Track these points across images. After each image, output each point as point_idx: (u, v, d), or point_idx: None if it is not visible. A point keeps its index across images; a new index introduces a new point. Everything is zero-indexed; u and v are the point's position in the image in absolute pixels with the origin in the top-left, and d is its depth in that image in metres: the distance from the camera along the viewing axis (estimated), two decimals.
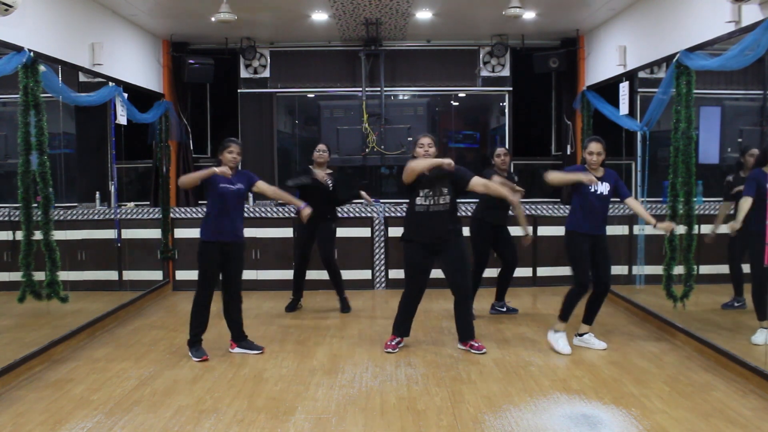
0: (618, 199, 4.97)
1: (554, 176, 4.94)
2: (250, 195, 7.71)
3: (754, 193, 4.76)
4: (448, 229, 4.87)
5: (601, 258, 4.95)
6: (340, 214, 7.27)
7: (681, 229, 5.21)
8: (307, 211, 5.04)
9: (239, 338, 5.09)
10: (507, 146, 8.00)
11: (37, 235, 4.74)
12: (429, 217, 4.83)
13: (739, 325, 5.46)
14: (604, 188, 4.89)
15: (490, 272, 6.26)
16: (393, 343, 5.04)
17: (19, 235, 4.69)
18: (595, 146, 4.88)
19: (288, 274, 7.38)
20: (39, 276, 4.77)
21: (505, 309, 6.23)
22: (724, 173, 6.62)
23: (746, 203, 4.79)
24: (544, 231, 7.38)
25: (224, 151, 4.85)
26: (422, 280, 5.03)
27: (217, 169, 4.68)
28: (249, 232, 7.40)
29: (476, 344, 4.97)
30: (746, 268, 5.24)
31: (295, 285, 6.46)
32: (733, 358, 4.45)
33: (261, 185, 4.95)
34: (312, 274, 7.04)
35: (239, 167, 5.01)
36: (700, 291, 5.60)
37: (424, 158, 4.78)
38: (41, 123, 4.61)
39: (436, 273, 7.36)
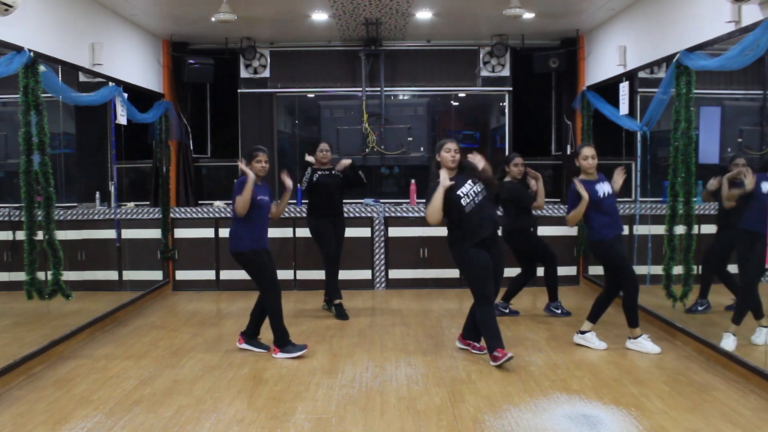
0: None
1: (572, 216, 4.92)
2: None
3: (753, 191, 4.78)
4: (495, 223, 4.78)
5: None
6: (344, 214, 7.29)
7: (681, 229, 5.21)
8: (287, 180, 5.06)
9: (252, 335, 5.08)
10: (507, 146, 8.02)
11: (39, 235, 4.74)
12: (477, 212, 4.62)
13: (739, 326, 5.45)
14: (606, 188, 4.93)
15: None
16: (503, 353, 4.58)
17: (20, 235, 4.69)
18: (588, 150, 4.93)
19: (288, 274, 7.41)
20: (40, 275, 4.77)
21: (560, 311, 6.13)
22: (724, 173, 6.63)
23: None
24: (544, 231, 7.37)
25: (253, 161, 4.86)
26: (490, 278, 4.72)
27: (250, 174, 4.73)
28: None
29: (478, 344, 4.96)
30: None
31: (331, 285, 6.24)
32: (733, 358, 4.45)
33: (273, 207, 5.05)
34: (312, 274, 7.05)
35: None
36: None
37: (431, 205, 4.60)
38: (42, 123, 4.62)
39: (436, 273, 7.43)
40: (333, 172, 6.19)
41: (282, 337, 4.90)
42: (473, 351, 4.95)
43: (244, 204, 4.75)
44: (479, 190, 4.63)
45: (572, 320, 5.94)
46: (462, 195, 4.58)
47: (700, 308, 5.56)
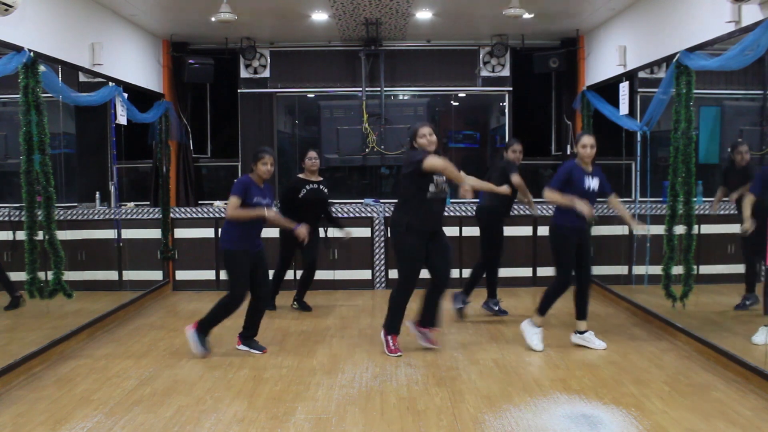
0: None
1: (551, 197, 4.87)
2: None
3: (760, 190, 4.77)
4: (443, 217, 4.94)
5: (585, 253, 5.00)
6: (343, 214, 7.28)
7: (680, 229, 5.21)
8: (303, 230, 5.03)
9: (249, 336, 5.09)
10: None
11: (40, 235, 4.74)
12: (436, 204, 4.80)
13: (739, 325, 5.46)
14: (594, 183, 4.91)
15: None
16: (396, 346, 4.95)
17: (20, 235, 4.69)
18: (588, 139, 4.88)
19: (288, 274, 7.40)
20: (41, 275, 4.78)
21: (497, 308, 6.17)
22: (724, 173, 6.63)
23: (750, 200, 4.84)
24: (545, 231, 7.36)
25: (258, 163, 4.85)
26: (420, 271, 4.89)
27: (269, 216, 4.78)
28: None
29: (432, 335, 5.03)
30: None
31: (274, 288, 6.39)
32: (733, 358, 4.45)
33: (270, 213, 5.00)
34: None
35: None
36: (700, 291, 5.60)
37: (443, 161, 4.66)
38: (42, 123, 4.62)
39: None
40: (320, 186, 6.15)
41: (204, 329, 4.93)
42: (425, 343, 5.04)
43: (237, 215, 4.75)
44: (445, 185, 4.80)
45: (572, 321, 5.93)
46: (434, 181, 4.73)
47: (747, 303, 5.52)
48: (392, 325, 4.99)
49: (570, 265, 4.94)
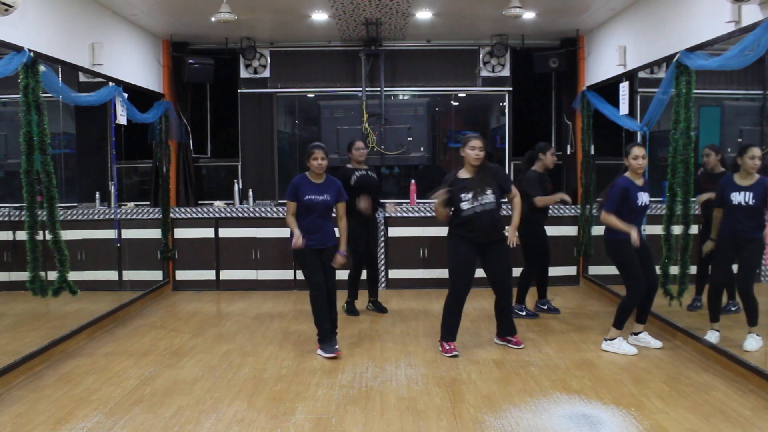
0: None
1: (610, 221, 4.85)
2: (250, 194, 7.75)
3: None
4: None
5: (647, 259, 4.96)
6: None
7: (677, 230, 5.21)
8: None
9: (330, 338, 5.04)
10: (507, 146, 8.02)
11: (41, 234, 4.73)
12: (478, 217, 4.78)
13: (739, 326, 5.45)
14: (646, 198, 4.89)
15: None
16: (451, 347, 4.96)
17: (20, 235, 4.69)
18: (639, 150, 4.85)
19: (288, 274, 7.42)
20: (43, 273, 4.78)
21: (546, 307, 6.27)
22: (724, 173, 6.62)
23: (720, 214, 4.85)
24: (548, 231, 7.36)
25: (309, 159, 4.91)
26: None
27: (298, 244, 4.77)
28: (249, 232, 7.46)
29: (514, 339, 5.08)
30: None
31: (353, 286, 6.37)
32: (733, 358, 4.45)
33: (339, 208, 5.05)
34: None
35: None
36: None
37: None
38: (43, 123, 4.62)
39: (436, 273, 7.42)
40: (369, 173, 6.21)
41: (322, 338, 4.94)
42: (511, 346, 5.07)
43: (287, 222, 4.93)
44: (485, 197, 4.76)
45: (572, 321, 5.94)
46: (464, 199, 4.75)
47: (732, 309, 5.50)
48: (451, 332, 5.02)
49: (638, 274, 4.86)
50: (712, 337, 4.83)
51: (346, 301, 6.32)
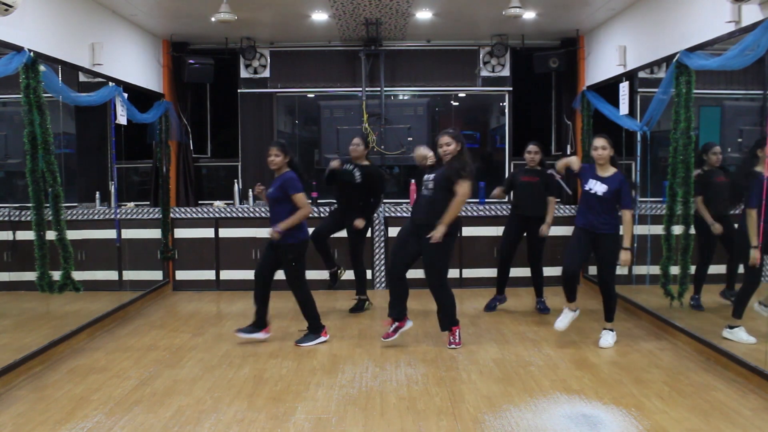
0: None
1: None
2: (250, 194, 7.74)
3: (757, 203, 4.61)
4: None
5: (599, 257, 5.09)
6: None
7: (678, 230, 5.21)
8: (275, 233, 5.06)
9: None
10: (507, 146, 8.02)
11: (47, 233, 4.75)
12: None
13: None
14: (599, 188, 4.93)
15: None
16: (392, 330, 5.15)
17: (20, 235, 4.69)
18: (598, 141, 5.00)
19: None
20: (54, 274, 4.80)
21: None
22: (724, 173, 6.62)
23: (752, 219, 4.69)
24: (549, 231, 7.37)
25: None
26: None
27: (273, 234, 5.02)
28: (249, 232, 7.45)
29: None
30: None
31: (359, 284, 6.50)
32: (733, 358, 4.45)
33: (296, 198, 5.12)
34: (313, 274, 7.01)
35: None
36: (701, 291, 5.61)
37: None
38: (45, 123, 4.62)
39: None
40: (354, 170, 6.31)
41: (311, 326, 5.29)
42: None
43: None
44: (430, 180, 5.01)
45: (574, 321, 5.93)
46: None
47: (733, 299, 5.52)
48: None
49: (570, 256, 5.08)
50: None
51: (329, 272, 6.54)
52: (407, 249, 5.05)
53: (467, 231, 7.25)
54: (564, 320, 5.15)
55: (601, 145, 4.96)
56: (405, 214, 7.45)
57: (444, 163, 4.97)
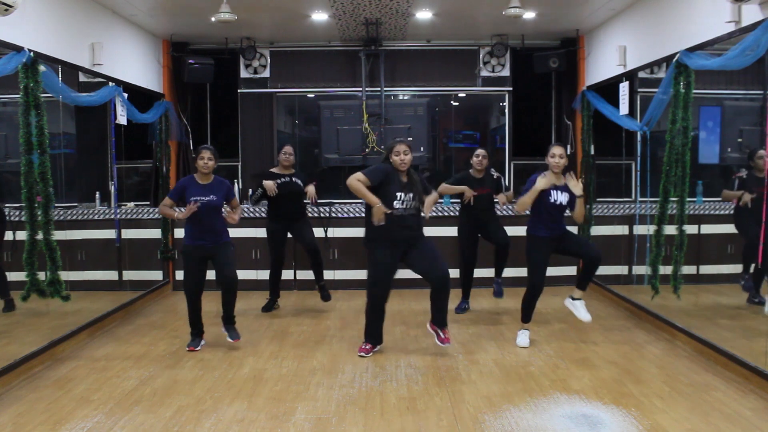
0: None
1: (520, 203, 5.01)
2: (250, 194, 7.73)
3: None
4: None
5: (574, 242, 5.11)
6: (344, 214, 7.29)
7: (671, 229, 5.22)
8: (182, 214, 5.08)
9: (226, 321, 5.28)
10: (507, 146, 8.03)
11: (39, 235, 4.73)
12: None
13: (740, 326, 5.46)
14: (563, 198, 4.95)
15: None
16: (367, 347, 4.99)
17: (19, 235, 4.68)
18: (556, 149, 4.93)
19: (287, 274, 7.41)
20: (41, 275, 4.77)
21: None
22: (724, 173, 6.62)
23: None
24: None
25: (197, 158, 5.04)
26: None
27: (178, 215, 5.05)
28: (249, 232, 7.45)
29: (443, 335, 4.90)
30: None
31: (272, 285, 6.45)
32: (733, 358, 4.45)
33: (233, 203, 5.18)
34: (309, 274, 7.04)
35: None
36: (701, 291, 5.61)
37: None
38: (42, 123, 4.61)
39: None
40: (293, 179, 6.20)
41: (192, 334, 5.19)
42: (437, 341, 4.95)
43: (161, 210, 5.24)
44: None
45: (572, 320, 5.93)
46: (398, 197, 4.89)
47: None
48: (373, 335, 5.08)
49: (539, 267, 5.05)
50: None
51: (266, 298, 6.47)
52: (393, 275, 5.10)
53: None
54: (582, 310, 5.17)
55: (559, 153, 4.91)
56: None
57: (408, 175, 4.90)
